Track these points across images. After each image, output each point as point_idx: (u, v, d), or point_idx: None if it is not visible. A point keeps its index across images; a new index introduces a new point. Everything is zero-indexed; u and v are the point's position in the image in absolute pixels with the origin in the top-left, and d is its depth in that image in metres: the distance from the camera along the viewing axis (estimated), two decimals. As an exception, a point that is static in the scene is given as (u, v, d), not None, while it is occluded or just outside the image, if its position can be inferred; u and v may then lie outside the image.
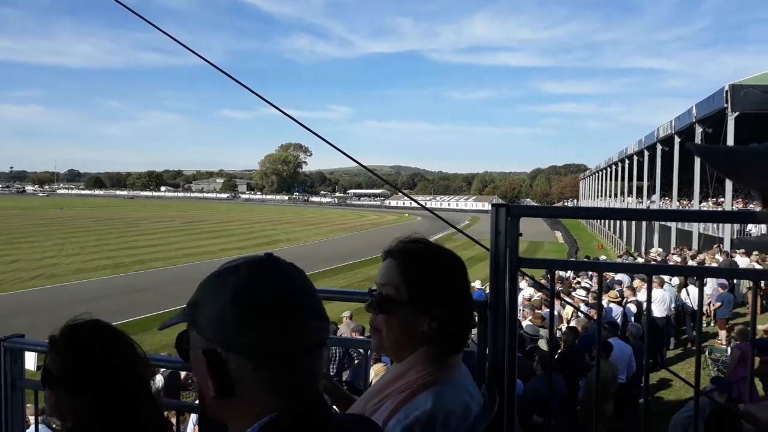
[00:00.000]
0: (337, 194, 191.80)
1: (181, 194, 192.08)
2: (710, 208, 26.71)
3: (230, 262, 0.94)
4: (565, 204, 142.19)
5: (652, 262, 16.68)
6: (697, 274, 1.84)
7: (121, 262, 35.82)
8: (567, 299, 12.05)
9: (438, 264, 1.37)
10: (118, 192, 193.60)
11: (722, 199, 25.02)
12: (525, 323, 9.73)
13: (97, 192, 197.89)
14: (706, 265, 15.81)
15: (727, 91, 19.71)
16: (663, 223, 30.61)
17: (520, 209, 1.76)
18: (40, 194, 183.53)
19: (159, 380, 7.83)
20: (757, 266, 14.93)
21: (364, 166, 2.71)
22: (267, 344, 0.84)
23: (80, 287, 26.79)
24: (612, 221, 47.54)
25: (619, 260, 22.44)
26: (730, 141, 20.25)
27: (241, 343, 0.85)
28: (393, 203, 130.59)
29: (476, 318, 1.79)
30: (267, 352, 0.84)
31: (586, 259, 21.69)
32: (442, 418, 1.23)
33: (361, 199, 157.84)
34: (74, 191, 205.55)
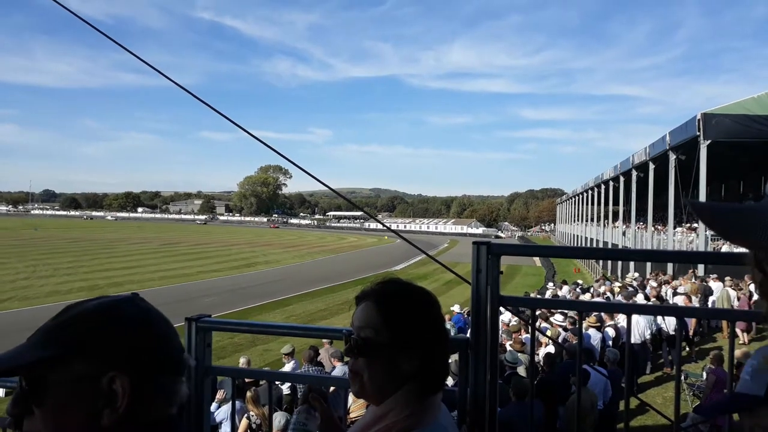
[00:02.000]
0: (317, 216, 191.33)
1: (158, 215, 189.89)
2: (684, 233, 27.13)
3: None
4: (543, 227, 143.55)
5: (629, 289, 16.85)
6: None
7: (96, 284, 35.19)
8: (547, 323, 12.11)
9: (416, 304, 1.36)
10: (94, 213, 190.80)
11: (696, 225, 25.44)
12: (507, 347, 9.75)
13: (72, 213, 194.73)
14: (681, 290, 16.04)
15: (699, 120, 20.15)
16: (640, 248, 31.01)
17: (500, 248, 1.79)
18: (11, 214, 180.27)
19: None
20: (732, 291, 15.18)
21: (332, 189, 2.73)
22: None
23: (53, 310, 26.14)
24: (588, 245, 48.00)
25: (596, 284, 22.61)
26: (703, 168, 20.65)
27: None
28: (373, 226, 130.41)
29: (456, 356, 1.80)
30: None
31: (563, 291, 21.89)
32: None
33: (341, 221, 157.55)
34: (49, 212, 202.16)
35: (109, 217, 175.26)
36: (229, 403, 6.55)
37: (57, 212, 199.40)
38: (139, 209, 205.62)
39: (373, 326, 1.32)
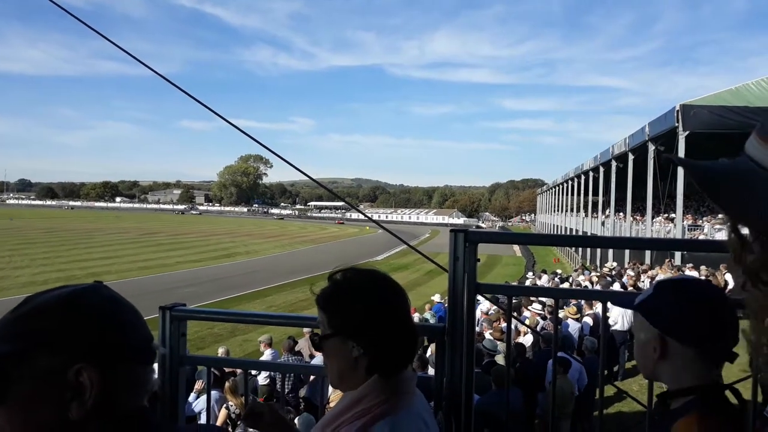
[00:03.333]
0: (298, 206, 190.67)
1: (137, 205, 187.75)
2: (662, 223, 27.50)
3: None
4: (523, 218, 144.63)
5: (608, 278, 17.06)
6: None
7: (73, 275, 34.72)
8: (528, 310, 12.22)
9: (354, 292, 1.42)
10: (71, 202, 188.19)
11: (673, 215, 25.79)
12: (486, 336, 9.82)
13: (49, 202, 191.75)
14: (657, 278, 16.23)
15: (678, 111, 20.37)
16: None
17: (477, 235, 1.78)
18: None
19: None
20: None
21: (311, 178, 2.70)
22: None
23: (29, 301, 25.85)
24: (569, 233, 48.48)
25: (574, 274, 22.86)
26: (681, 159, 20.82)
27: None
28: (354, 216, 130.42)
29: (426, 341, 1.79)
30: None
31: (542, 281, 22.12)
32: None
33: (322, 211, 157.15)
34: (25, 201, 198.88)
35: (122, 205, 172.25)
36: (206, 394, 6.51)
37: (33, 202, 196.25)
38: (117, 199, 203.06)
39: (321, 320, 1.42)
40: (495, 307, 11.90)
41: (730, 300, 1.26)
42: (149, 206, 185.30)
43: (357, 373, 1.35)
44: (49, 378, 0.90)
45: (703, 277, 15.68)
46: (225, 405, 7.35)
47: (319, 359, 9.24)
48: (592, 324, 11.56)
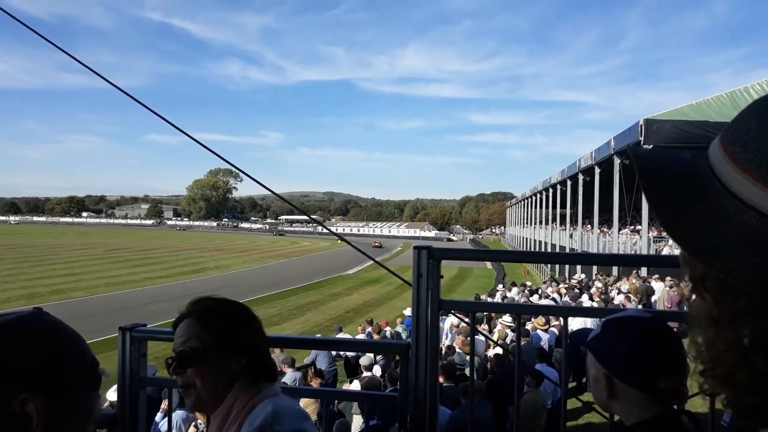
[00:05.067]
0: (269, 220, 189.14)
1: (104, 220, 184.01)
2: (629, 235, 27.98)
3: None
4: (493, 230, 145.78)
5: (575, 290, 17.27)
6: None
7: (37, 291, 33.86)
8: (499, 322, 12.28)
9: (231, 311, 1.53)
10: (35, 218, 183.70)
11: (639, 227, 26.26)
12: (457, 349, 9.84)
13: (12, 218, 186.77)
14: (624, 290, 16.54)
15: (641, 125, 20.83)
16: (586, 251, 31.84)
17: (441, 252, 1.78)
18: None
19: None
20: (670, 291, 15.73)
21: (277, 194, 2.69)
22: None
23: (-11, 320, 25.05)
24: (537, 247, 49.00)
25: (543, 285, 23.08)
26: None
27: None
28: (332, 230, 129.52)
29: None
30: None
31: (512, 293, 22.27)
32: (287, 416, 1.36)
33: (293, 225, 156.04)
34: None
35: (89, 221, 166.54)
36: (175, 413, 6.38)
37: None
38: (84, 214, 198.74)
39: (197, 336, 1.44)
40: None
41: (677, 335, 1.29)
42: (116, 221, 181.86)
43: (229, 386, 1.43)
44: None
45: (667, 289, 16.02)
46: (194, 423, 7.20)
47: (289, 376, 9.14)
48: (558, 335, 11.68)
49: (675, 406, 1.36)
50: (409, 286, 1.89)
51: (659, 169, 0.73)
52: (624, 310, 1.48)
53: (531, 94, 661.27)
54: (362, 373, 10.09)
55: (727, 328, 0.66)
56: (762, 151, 0.61)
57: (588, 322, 12.14)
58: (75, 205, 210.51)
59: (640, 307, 14.80)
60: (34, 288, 35.16)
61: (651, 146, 20.61)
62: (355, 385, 8.98)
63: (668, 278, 17.16)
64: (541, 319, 11.48)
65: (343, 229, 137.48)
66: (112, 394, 9.02)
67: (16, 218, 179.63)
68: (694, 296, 0.73)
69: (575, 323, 11.57)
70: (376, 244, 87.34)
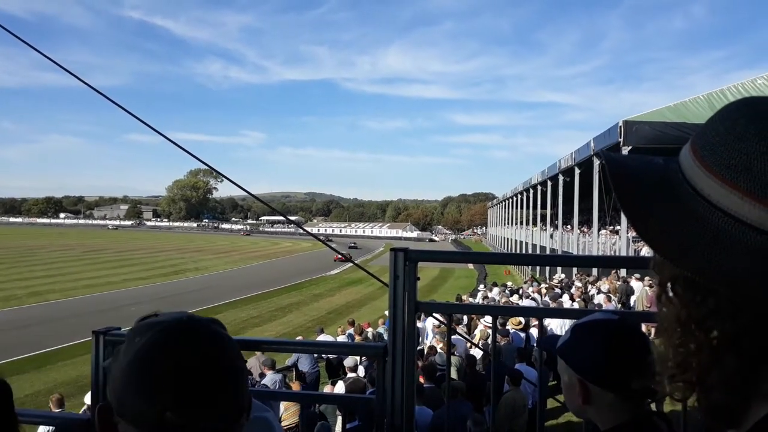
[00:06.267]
0: (250, 221, 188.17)
1: (82, 221, 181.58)
2: (608, 236, 28.28)
3: (150, 320, 0.90)
4: (475, 230, 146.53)
5: (556, 290, 17.41)
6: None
7: (14, 294, 33.33)
8: (480, 322, 12.32)
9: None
10: (11, 219, 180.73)
11: (619, 227, 26.56)
12: (438, 349, 9.87)
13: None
14: (603, 289, 16.72)
15: (620, 127, 21.08)
16: (566, 251, 32.12)
17: (417, 254, 1.79)
18: None
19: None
20: (649, 291, 15.92)
21: (254, 195, 2.68)
22: (150, 417, 0.80)
23: (-36, 323, 24.64)
24: (518, 248, 49.34)
25: (524, 285, 23.23)
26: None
27: (125, 409, 0.81)
28: (309, 230, 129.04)
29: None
30: (151, 424, 0.80)
31: (493, 293, 22.39)
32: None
33: (275, 226, 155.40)
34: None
35: (109, 226, 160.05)
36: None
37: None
38: (62, 215, 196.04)
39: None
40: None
41: (645, 335, 1.30)
42: (95, 222, 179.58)
43: None
44: None
45: (647, 289, 16.21)
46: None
47: (269, 379, 9.10)
48: (537, 336, 11.75)
49: (653, 406, 1.37)
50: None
51: (631, 174, 0.75)
52: (592, 312, 1.49)
53: (513, 94, 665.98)
54: (346, 374, 10.09)
55: (697, 330, 0.68)
56: (729, 154, 0.64)
57: (567, 322, 12.26)
58: (53, 206, 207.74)
59: (619, 306, 15.02)
60: (10, 290, 34.59)
61: (630, 148, 20.89)
62: (340, 387, 8.96)
63: (648, 278, 17.37)
64: (515, 319, 11.55)
65: (325, 230, 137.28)
66: (89, 398, 8.93)
67: (17, 219, 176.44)
68: (663, 299, 0.74)
69: (555, 322, 11.68)
70: (352, 245, 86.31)
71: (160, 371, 0.81)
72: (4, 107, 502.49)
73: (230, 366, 0.87)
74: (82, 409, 8.66)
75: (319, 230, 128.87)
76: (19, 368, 17.01)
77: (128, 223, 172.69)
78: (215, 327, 0.91)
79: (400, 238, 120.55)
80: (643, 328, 1.59)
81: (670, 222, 0.67)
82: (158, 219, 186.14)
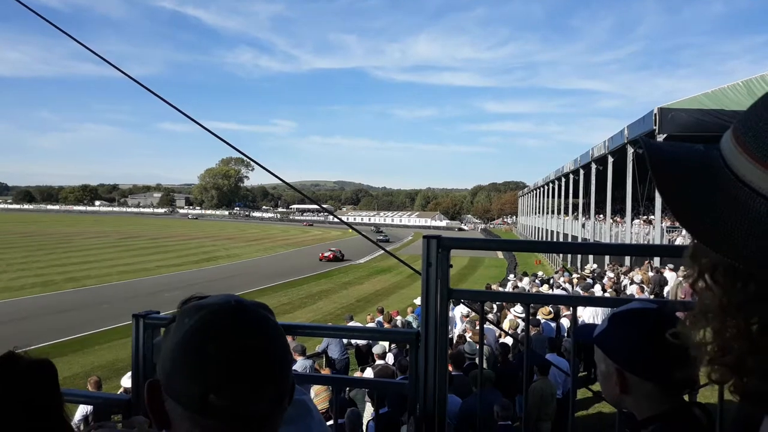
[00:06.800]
0: (280, 209, 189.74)
1: (116, 209, 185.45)
2: (641, 225, 27.81)
3: (200, 300, 0.92)
4: (505, 220, 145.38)
5: (587, 280, 17.20)
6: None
7: (52, 279, 34.29)
8: (510, 312, 12.27)
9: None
10: (49, 206, 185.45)
11: (652, 217, 26.09)
12: (467, 338, 9.85)
13: (26, 206, 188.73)
14: (636, 280, 16.45)
15: (656, 114, 20.61)
16: (597, 240, 31.68)
17: (450, 242, 1.79)
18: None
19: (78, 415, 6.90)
20: (684, 282, 15.61)
21: (287, 183, 2.70)
22: (194, 398, 0.82)
23: (5, 307, 25.45)
24: (549, 237, 48.83)
25: (555, 275, 23.01)
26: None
27: (171, 388, 0.84)
28: (341, 218, 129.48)
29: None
30: (195, 404, 0.82)
31: (523, 283, 22.24)
32: None
33: (305, 214, 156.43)
34: (1, 205, 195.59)
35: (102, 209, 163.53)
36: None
37: (10, 206, 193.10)
38: (97, 203, 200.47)
39: None
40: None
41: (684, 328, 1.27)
42: (129, 209, 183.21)
43: None
44: None
45: (681, 279, 15.90)
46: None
47: (300, 364, 9.20)
48: (568, 326, 11.66)
49: (687, 398, 1.35)
50: (419, 276, 1.90)
51: (670, 159, 0.75)
52: (628, 301, 1.46)
53: (545, 81, 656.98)
54: (375, 361, 10.15)
55: (737, 315, 0.68)
56: None
57: (599, 313, 12.12)
58: (88, 194, 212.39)
59: (651, 297, 14.73)
60: (48, 276, 35.58)
61: (665, 135, 20.44)
62: (368, 373, 9.02)
63: (682, 268, 17.04)
64: (545, 309, 11.47)
65: (354, 219, 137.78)
66: (126, 381, 9.16)
67: (54, 207, 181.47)
68: (702, 286, 0.74)
69: (586, 313, 11.57)
70: (380, 235, 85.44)
71: (206, 354, 0.82)
72: (42, 97, 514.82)
73: (275, 351, 0.88)
74: (119, 391, 8.89)
75: (347, 219, 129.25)
76: (58, 351, 17.51)
77: (161, 210, 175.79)
78: (262, 311, 0.92)
79: (428, 227, 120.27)
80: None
81: (710, 208, 0.67)
82: (191, 207, 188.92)
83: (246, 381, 0.83)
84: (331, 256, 48.85)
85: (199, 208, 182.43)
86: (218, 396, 0.81)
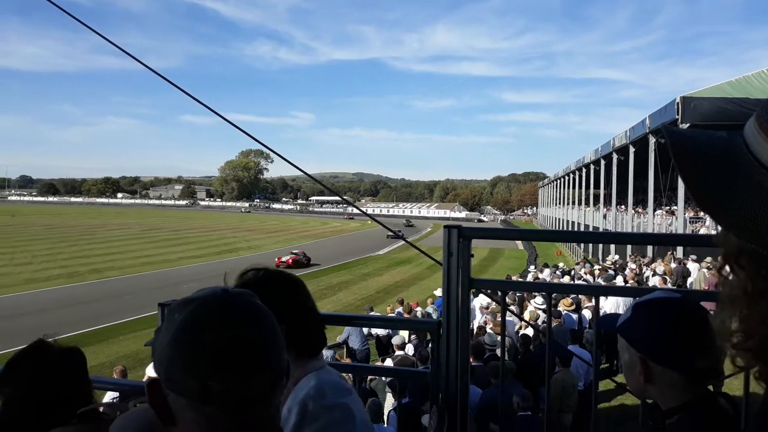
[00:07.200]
0: (299, 201, 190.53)
1: (138, 201, 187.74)
2: (664, 216, 27.45)
3: (187, 296, 0.94)
4: (525, 211, 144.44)
5: (609, 272, 17.05)
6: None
7: (76, 271, 34.85)
8: (530, 303, 12.22)
9: (270, 284, 1.54)
10: (72, 199, 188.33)
11: (675, 207, 25.75)
12: (488, 330, 9.83)
13: (50, 199, 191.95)
14: (659, 271, 16.28)
15: (678, 103, 20.29)
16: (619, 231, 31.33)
17: (471, 231, 1.79)
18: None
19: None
20: (707, 273, 15.42)
21: (308, 174, 2.71)
22: (194, 388, 0.84)
23: (31, 298, 25.96)
24: (570, 228, 48.43)
25: (576, 267, 22.85)
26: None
27: (171, 381, 0.86)
28: (357, 210, 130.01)
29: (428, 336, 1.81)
30: (195, 394, 0.85)
31: (544, 274, 22.10)
32: (329, 389, 1.42)
33: (324, 206, 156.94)
34: (26, 198, 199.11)
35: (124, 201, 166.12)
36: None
37: (35, 198, 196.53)
38: (119, 195, 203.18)
39: None
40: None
41: (708, 314, 1.26)
42: (151, 202, 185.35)
43: None
44: None
45: (704, 271, 15.69)
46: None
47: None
48: (590, 317, 11.57)
49: (711, 388, 1.34)
50: (440, 267, 1.90)
51: (694, 148, 0.75)
52: (652, 291, 1.45)
53: (563, 71, 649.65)
54: (394, 352, 10.18)
55: (761, 301, 0.68)
56: None
57: (620, 304, 12.01)
58: (110, 186, 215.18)
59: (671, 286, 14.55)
60: (72, 267, 36.16)
61: (688, 125, 20.12)
62: (388, 364, 9.05)
63: (707, 259, 16.80)
64: (567, 300, 11.39)
65: (373, 210, 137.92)
66: (150, 370, 9.30)
67: (77, 199, 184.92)
68: (728, 273, 0.74)
69: (608, 304, 11.47)
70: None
71: (200, 345, 0.85)
72: (65, 91, 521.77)
73: (266, 334, 0.91)
74: (144, 379, 9.04)
75: (366, 210, 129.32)
76: (84, 341, 17.82)
77: (183, 202, 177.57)
78: (249, 298, 0.94)
79: (447, 219, 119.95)
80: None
81: (734, 194, 0.67)
82: (211, 199, 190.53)
83: (242, 365, 0.86)
84: (290, 261, 39.13)
85: (219, 200, 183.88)
86: (218, 383, 0.84)
